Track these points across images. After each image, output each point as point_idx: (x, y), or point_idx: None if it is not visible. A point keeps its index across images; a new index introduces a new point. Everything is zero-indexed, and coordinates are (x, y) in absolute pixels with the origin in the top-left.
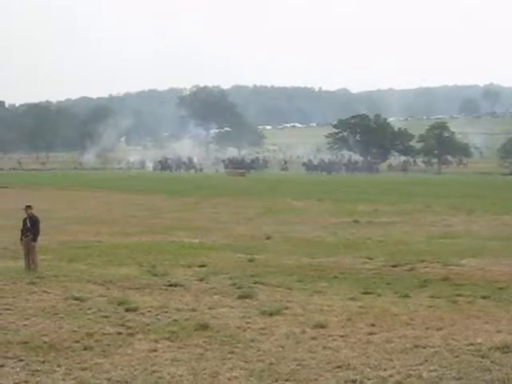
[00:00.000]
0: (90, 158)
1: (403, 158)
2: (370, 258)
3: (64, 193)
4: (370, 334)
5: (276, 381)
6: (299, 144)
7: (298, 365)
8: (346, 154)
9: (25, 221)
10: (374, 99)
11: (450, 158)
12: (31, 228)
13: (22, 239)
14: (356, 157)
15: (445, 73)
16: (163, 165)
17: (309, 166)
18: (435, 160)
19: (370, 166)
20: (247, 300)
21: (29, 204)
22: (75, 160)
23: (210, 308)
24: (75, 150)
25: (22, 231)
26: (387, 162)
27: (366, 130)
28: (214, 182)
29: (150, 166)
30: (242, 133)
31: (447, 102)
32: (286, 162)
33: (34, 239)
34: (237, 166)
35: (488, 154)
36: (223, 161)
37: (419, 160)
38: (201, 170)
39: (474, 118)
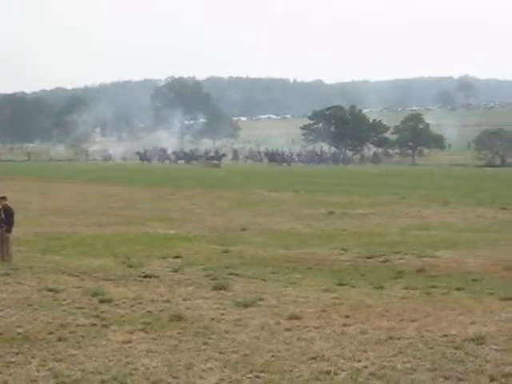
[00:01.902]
0: (61, 149)
1: (373, 150)
2: (345, 250)
3: (38, 184)
4: (345, 325)
5: (250, 372)
6: (274, 136)
7: (273, 356)
8: (318, 145)
9: None
10: (349, 91)
11: (409, 150)
12: (5, 219)
13: None
14: (327, 148)
15: (420, 64)
16: (142, 156)
17: (271, 157)
18: (394, 151)
19: (336, 158)
20: (222, 291)
21: (3, 195)
22: (44, 152)
23: (184, 299)
24: (50, 141)
25: None
26: (360, 154)
27: (341, 122)
28: (190, 173)
29: (116, 157)
30: (218, 124)
31: (422, 93)
32: (260, 153)
33: (9, 230)
34: (189, 157)
35: (460, 146)
36: (173, 152)
37: (376, 150)
38: (175, 161)
39: (448, 110)
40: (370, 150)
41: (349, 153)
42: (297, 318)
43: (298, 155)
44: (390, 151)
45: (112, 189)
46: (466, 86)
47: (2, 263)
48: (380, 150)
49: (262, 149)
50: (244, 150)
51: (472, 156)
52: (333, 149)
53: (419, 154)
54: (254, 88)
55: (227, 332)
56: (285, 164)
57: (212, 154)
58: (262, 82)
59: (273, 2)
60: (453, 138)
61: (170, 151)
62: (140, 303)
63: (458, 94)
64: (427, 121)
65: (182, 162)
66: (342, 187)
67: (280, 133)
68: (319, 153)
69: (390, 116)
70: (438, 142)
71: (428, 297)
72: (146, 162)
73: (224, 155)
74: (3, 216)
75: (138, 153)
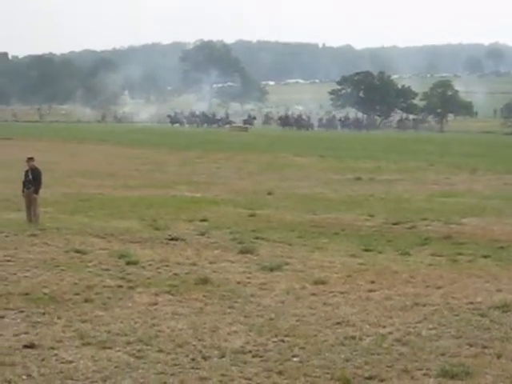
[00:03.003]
0: (88, 111)
1: (399, 116)
2: (372, 215)
3: (66, 145)
4: (370, 291)
5: (275, 336)
6: (303, 100)
7: (298, 320)
8: (346, 110)
9: (27, 173)
10: (378, 56)
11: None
12: (33, 180)
13: (23, 191)
14: (353, 113)
15: (450, 31)
16: (172, 119)
17: (285, 122)
18: (413, 117)
19: (360, 124)
20: (248, 255)
21: (31, 156)
22: (72, 113)
23: (210, 262)
24: (77, 103)
25: (24, 183)
26: (397, 122)
27: (370, 87)
28: (217, 136)
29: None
30: (246, 88)
31: (451, 60)
32: (287, 117)
33: (36, 191)
34: (210, 121)
35: (487, 113)
36: (196, 115)
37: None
38: (201, 124)
39: (477, 77)
40: (396, 116)
41: (377, 119)
42: (322, 282)
43: (320, 120)
44: (411, 117)
45: (139, 151)
46: (496, 53)
47: (30, 224)
48: (404, 116)
49: (289, 113)
50: (272, 114)
51: (500, 123)
52: (359, 114)
53: (439, 121)
54: (283, 52)
55: (253, 296)
56: (303, 129)
57: (239, 118)
58: (291, 47)
59: None
60: (480, 105)
61: (197, 114)
62: (166, 266)
63: (487, 61)
64: (456, 87)
65: (205, 125)
66: (368, 153)
67: (308, 97)
68: (343, 118)
69: (418, 82)
70: (467, 108)
71: (454, 264)
72: (177, 125)
73: (254, 118)
74: (31, 177)
75: (168, 116)
